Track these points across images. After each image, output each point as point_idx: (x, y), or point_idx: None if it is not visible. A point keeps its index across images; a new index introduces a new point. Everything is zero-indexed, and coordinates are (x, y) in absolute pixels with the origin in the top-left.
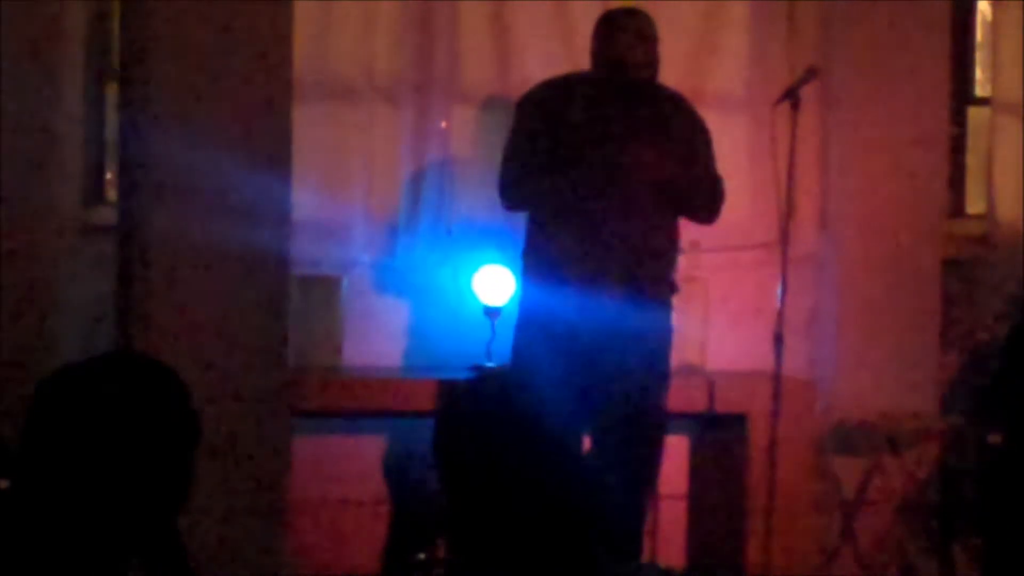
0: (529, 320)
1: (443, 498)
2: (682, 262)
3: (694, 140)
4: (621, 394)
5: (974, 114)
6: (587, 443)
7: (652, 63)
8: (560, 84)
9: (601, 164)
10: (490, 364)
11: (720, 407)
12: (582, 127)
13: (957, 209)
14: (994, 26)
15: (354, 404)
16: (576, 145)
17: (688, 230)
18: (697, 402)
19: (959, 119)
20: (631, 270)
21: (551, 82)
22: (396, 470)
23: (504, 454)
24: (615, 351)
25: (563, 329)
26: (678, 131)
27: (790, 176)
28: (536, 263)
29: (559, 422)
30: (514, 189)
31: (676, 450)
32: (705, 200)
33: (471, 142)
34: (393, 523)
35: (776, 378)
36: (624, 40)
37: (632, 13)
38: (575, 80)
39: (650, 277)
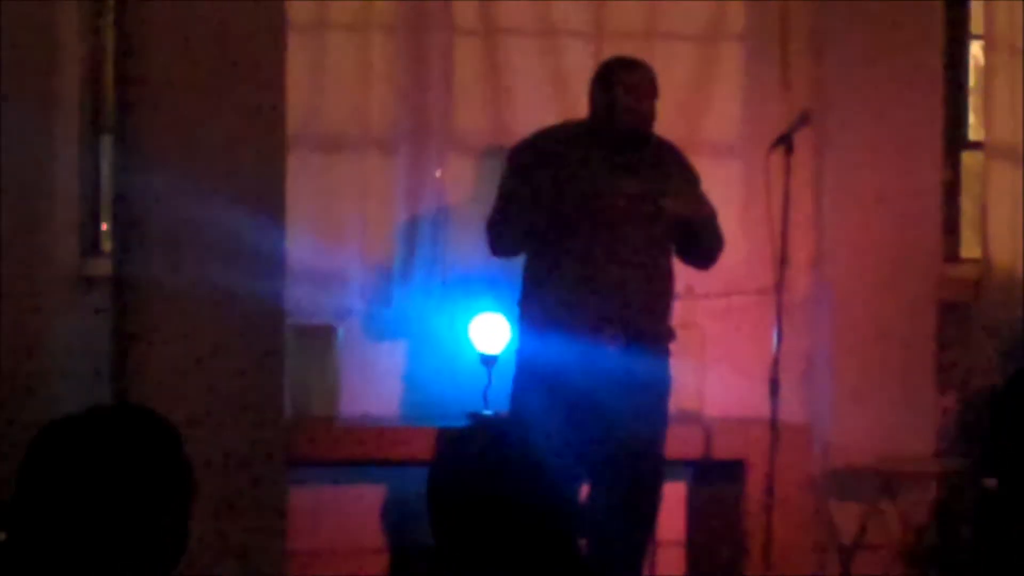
0: (527, 369)
1: (436, 546)
2: (677, 308)
3: (689, 188)
4: (620, 442)
5: (968, 158)
6: (586, 490)
7: (649, 116)
8: (553, 134)
9: (595, 212)
10: (487, 412)
11: (717, 453)
12: (575, 176)
13: (951, 253)
14: (986, 71)
15: (351, 453)
16: (569, 193)
17: (683, 276)
18: (694, 448)
19: (953, 163)
20: (628, 318)
21: (544, 132)
22: (394, 519)
23: (497, 502)
24: (614, 399)
25: (562, 377)
26: (673, 179)
27: (784, 221)
28: (533, 312)
29: (554, 470)
30: (501, 231)
31: (673, 496)
32: (711, 242)
33: (466, 191)
34: (391, 572)
35: (773, 423)
36: (623, 92)
37: (634, 65)
38: (569, 129)
39: (647, 325)
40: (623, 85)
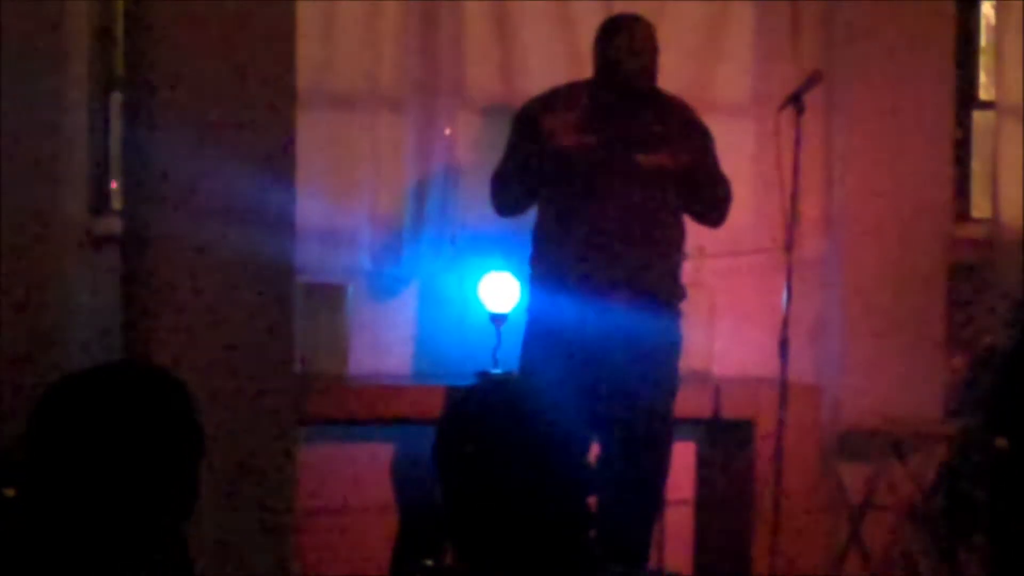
0: (537, 328)
1: (443, 504)
2: (687, 268)
3: (697, 143)
4: (629, 401)
5: (978, 118)
6: (595, 450)
7: (649, 71)
8: (558, 94)
9: (603, 171)
10: (496, 370)
11: (726, 413)
12: (582, 136)
13: (962, 213)
14: (997, 30)
15: (360, 412)
16: (576, 153)
17: (693, 235)
18: (703, 408)
19: (963, 123)
20: (638, 277)
21: (549, 93)
22: (403, 477)
23: (504, 459)
24: (623, 358)
25: (571, 336)
26: (679, 134)
27: (795, 181)
28: (543, 271)
29: (562, 428)
30: (503, 185)
31: (683, 456)
32: (714, 198)
33: (476, 149)
34: (400, 530)
35: (782, 384)
36: (621, 48)
37: (630, 21)
38: (574, 90)
39: (657, 284)
40: (620, 41)
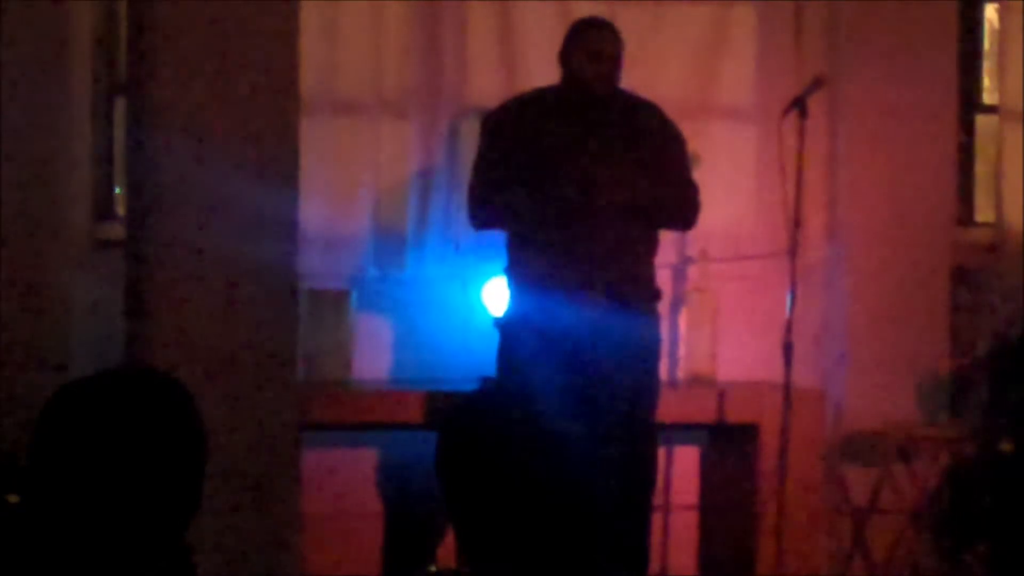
0: (512, 336)
1: (447, 508)
2: (691, 272)
3: (662, 148)
4: (608, 405)
5: (982, 122)
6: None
7: (606, 75)
8: (524, 102)
9: (568, 179)
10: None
11: (730, 417)
12: (547, 143)
13: (965, 217)
14: (1001, 33)
15: (364, 417)
16: (543, 161)
17: (697, 240)
18: (707, 412)
19: (967, 127)
20: (609, 281)
21: (515, 100)
22: (406, 482)
23: (506, 464)
24: (599, 363)
25: (545, 344)
26: (644, 140)
27: (798, 186)
28: (517, 279)
29: (564, 432)
30: (481, 208)
31: (687, 460)
32: (675, 210)
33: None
34: (402, 535)
35: (786, 388)
36: (579, 53)
37: (592, 25)
38: (538, 96)
39: (630, 287)
40: (580, 47)
